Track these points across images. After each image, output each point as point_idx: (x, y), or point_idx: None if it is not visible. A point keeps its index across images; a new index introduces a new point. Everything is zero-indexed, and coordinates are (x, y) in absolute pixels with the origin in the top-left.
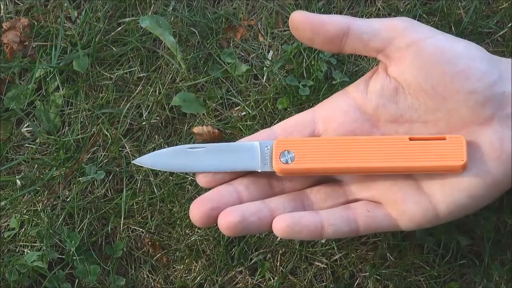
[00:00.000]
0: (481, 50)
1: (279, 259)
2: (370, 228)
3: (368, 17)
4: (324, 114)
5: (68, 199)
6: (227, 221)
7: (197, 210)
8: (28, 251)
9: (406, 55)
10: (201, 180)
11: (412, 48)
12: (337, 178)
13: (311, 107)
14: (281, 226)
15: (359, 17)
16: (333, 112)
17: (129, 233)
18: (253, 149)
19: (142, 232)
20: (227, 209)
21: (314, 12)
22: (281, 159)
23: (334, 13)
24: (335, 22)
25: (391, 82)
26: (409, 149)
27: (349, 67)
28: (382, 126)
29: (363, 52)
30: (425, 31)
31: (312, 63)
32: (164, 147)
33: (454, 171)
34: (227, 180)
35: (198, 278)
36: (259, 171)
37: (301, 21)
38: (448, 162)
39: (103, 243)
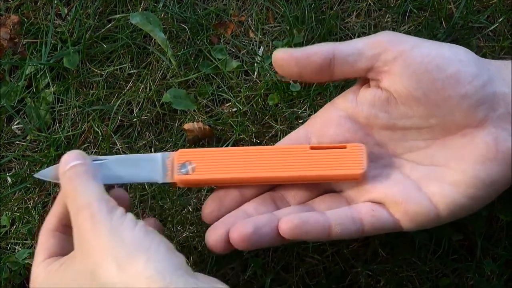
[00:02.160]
0: (468, 53)
1: (271, 256)
2: (376, 228)
3: (358, 13)
4: (317, 128)
5: None
6: (240, 233)
7: (214, 236)
8: (20, 249)
9: (395, 67)
10: (207, 217)
11: (400, 59)
12: (335, 189)
13: (302, 103)
14: (288, 226)
15: (350, 13)
16: (325, 125)
17: None
18: (155, 160)
19: None
20: (238, 223)
21: (304, 7)
22: (181, 170)
23: (325, 9)
24: (319, 52)
25: (382, 92)
26: (310, 158)
27: None
28: (376, 134)
29: (353, 75)
30: (410, 41)
31: None
32: (155, 144)
33: (354, 180)
34: (233, 208)
35: None
36: (161, 182)
37: (285, 58)
38: (348, 170)
39: None
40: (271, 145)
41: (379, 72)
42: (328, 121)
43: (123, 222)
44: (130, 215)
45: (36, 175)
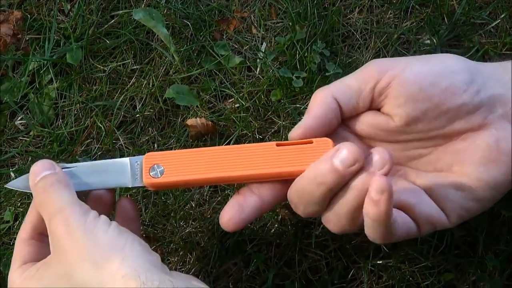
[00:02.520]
0: (459, 61)
1: (273, 251)
2: (403, 234)
3: (360, 9)
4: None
5: None
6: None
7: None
8: None
9: (390, 92)
10: (227, 224)
11: (393, 83)
12: None
13: (305, 99)
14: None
15: (352, 9)
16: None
17: None
18: (124, 165)
19: None
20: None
21: (307, 3)
22: (150, 173)
23: (327, 5)
24: (330, 107)
25: (382, 116)
26: (277, 155)
27: (342, 58)
28: (378, 145)
29: (359, 112)
30: (399, 64)
31: (306, 55)
32: (158, 139)
33: None
34: (254, 214)
35: (193, 270)
36: (130, 186)
37: (304, 134)
38: None
39: None
40: (274, 140)
41: (379, 102)
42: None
43: (97, 224)
44: (103, 217)
45: (8, 186)
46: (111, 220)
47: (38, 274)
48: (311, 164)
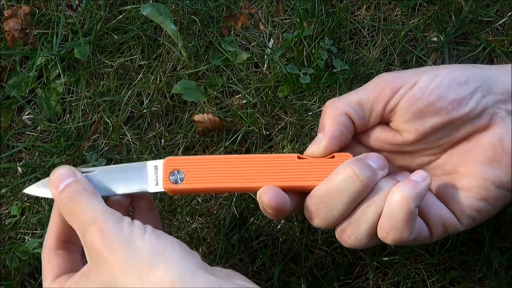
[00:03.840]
0: (465, 70)
1: (279, 247)
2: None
3: (368, 6)
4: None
5: None
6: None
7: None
8: (29, 238)
9: (399, 110)
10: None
11: (402, 101)
12: None
13: (312, 95)
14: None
15: (360, 6)
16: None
17: None
18: (142, 169)
19: None
20: None
21: (314, 0)
22: (170, 179)
23: (335, 2)
24: (345, 126)
25: (390, 131)
26: (298, 167)
27: (349, 55)
28: (385, 154)
29: (369, 127)
30: (409, 78)
31: (313, 51)
32: (165, 135)
33: None
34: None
35: None
36: (150, 192)
37: (325, 153)
38: None
39: None
40: (280, 137)
41: (388, 117)
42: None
43: (133, 231)
44: (137, 223)
45: (26, 191)
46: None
47: (80, 286)
48: (338, 168)
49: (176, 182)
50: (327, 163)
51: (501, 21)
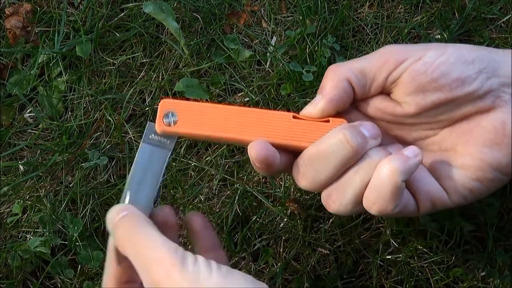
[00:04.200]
0: (472, 50)
1: (282, 245)
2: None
3: (371, 3)
4: None
5: (71, 185)
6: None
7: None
8: (31, 237)
9: (401, 82)
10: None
11: (405, 74)
12: None
13: (315, 93)
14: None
15: (363, 4)
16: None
17: None
18: (145, 148)
19: None
20: None
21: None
22: (164, 121)
23: (338, 0)
24: (345, 91)
25: (391, 102)
26: (292, 127)
27: (352, 53)
28: (384, 125)
29: (369, 96)
30: (414, 52)
31: (316, 49)
32: None
33: None
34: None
35: None
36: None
37: (321, 114)
38: None
39: (106, 228)
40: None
41: (389, 88)
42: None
43: (200, 270)
44: (201, 260)
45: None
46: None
47: None
48: (331, 131)
49: (169, 125)
50: (321, 126)
51: (505, 19)
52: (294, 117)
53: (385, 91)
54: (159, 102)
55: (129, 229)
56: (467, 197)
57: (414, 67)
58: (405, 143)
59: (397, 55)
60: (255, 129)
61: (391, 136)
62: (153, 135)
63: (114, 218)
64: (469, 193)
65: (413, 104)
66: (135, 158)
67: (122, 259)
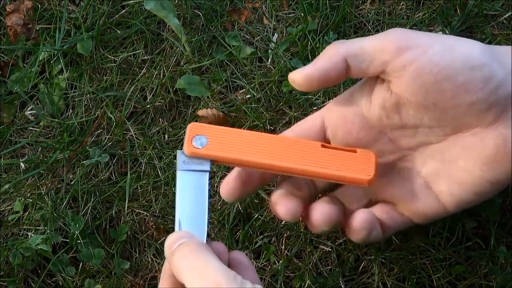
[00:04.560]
0: (483, 52)
1: (284, 243)
2: (392, 228)
3: (372, 0)
4: (333, 122)
5: (72, 182)
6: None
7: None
8: (32, 235)
9: (404, 76)
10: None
11: (409, 68)
12: None
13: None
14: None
15: (364, 0)
16: (341, 120)
17: (134, 217)
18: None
19: (147, 216)
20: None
21: None
22: (193, 143)
23: None
24: (335, 66)
25: (392, 96)
26: (320, 155)
27: None
28: (388, 131)
29: (368, 76)
30: (420, 44)
31: (317, 45)
32: (168, 130)
33: (361, 185)
34: (255, 187)
35: None
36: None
37: (307, 81)
38: (355, 174)
39: (107, 226)
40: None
41: (390, 76)
42: (344, 117)
43: None
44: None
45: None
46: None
47: None
48: None
49: (198, 147)
50: (349, 156)
51: (507, 15)
52: (322, 146)
53: (383, 76)
54: (188, 126)
55: (188, 253)
56: (463, 207)
57: (419, 64)
58: (408, 149)
59: (401, 40)
60: (284, 155)
61: (397, 146)
62: (186, 161)
63: (172, 245)
64: (465, 204)
65: (414, 101)
66: (177, 187)
67: (176, 285)
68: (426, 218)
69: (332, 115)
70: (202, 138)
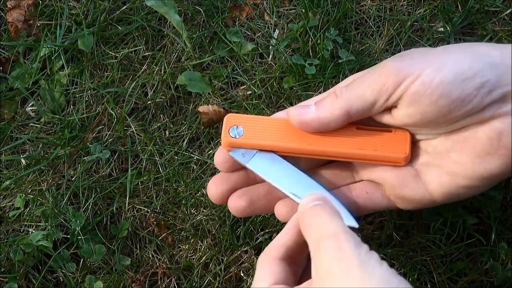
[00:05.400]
0: (474, 62)
1: None
2: (368, 208)
3: None
4: None
5: (73, 179)
6: (236, 206)
7: (216, 190)
8: (33, 231)
9: (401, 104)
10: (222, 166)
11: (405, 96)
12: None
13: (317, 86)
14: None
15: None
16: None
17: (134, 213)
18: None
19: (147, 212)
20: (236, 192)
21: None
22: (230, 133)
23: None
24: (336, 119)
25: (391, 117)
26: (355, 137)
27: (355, 45)
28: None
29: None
30: (412, 69)
31: (318, 42)
32: (169, 126)
33: (396, 163)
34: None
35: (204, 257)
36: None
37: (302, 127)
38: (391, 153)
39: (108, 222)
40: None
41: (390, 109)
42: None
43: (371, 258)
44: (375, 254)
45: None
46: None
47: None
48: None
49: (235, 137)
50: (384, 136)
51: (508, 11)
52: (357, 128)
53: (387, 113)
54: (225, 117)
55: (319, 211)
56: (452, 199)
57: (412, 90)
58: None
59: (395, 76)
60: (319, 140)
61: None
62: (244, 154)
63: (308, 203)
64: (455, 197)
65: (412, 123)
66: (260, 176)
67: (299, 237)
68: (411, 205)
69: None
70: (238, 128)
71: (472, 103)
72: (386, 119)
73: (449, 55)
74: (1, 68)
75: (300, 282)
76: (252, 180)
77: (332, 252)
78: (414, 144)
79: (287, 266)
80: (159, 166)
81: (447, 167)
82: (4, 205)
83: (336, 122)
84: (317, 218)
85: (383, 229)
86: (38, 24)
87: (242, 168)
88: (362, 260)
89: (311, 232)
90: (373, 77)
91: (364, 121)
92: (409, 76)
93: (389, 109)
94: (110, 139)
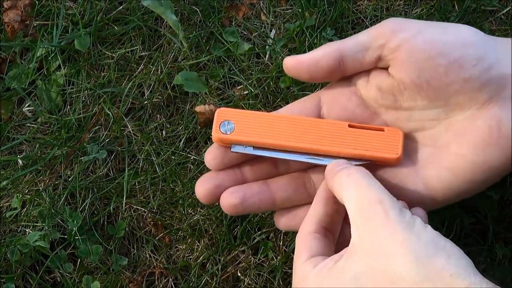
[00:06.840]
0: (475, 34)
1: (282, 239)
2: None
3: None
4: (329, 98)
5: (70, 179)
6: (228, 202)
7: (202, 188)
8: (30, 231)
9: (399, 55)
10: (210, 163)
11: (403, 47)
12: None
13: (314, 86)
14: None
15: None
16: (338, 96)
17: (131, 213)
18: None
19: (144, 212)
20: (229, 189)
21: None
22: (220, 129)
23: None
24: (326, 56)
25: (389, 78)
26: (347, 135)
27: None
28: (383, 113)
29: (364, 68)
30: (414, 27)
31: (315, 41)
32: (166, 126)
33: (389, 164)
34: (234, 163)
35: (201, 257)
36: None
37: (295, 66)
38: (383, 153)
39: (105, 222)
40: None
41: (386, 61)
42: (341, 94)
43: (415, 222)
44: (419, 219)
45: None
46: None
47: (338, 268)
48: None
49: (225, 133)
50: (376, 135)
51: (505, 11)
52: (349, 125)
53: (382, 65)
54: (216, 112)
55: (354, 173)
56: (456, 197)
57: (413, 42)
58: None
59: (394, 26)
60: (311, 137)
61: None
62: (243, 146)
63: (336, 167)
64: (456, 193)
65: (408, 81)
66: (272, 155)
67: (331, 203)
68: (411, 205)
69: (329, 93)
70: (229, 123)
71: (469, 72)
72: (383, 79)
73: (451, 25)
74: None
75: (336, 248)
76: (240, 179)
77: (377, 218)
78: (411, 138)
79: (323, 237)
80: (156, 166)
81: (446, 161)
82: (1, 205)
83: (327, 61)
84: (354, 181)
85: None
86: (35, 24)
87: (231, 166)
88: (407, 224)
89: (350, 198)
90: (373, 28)
91: (361, 120)
92: (409, 29)
93: (385, 68)
94: (107, 139)
